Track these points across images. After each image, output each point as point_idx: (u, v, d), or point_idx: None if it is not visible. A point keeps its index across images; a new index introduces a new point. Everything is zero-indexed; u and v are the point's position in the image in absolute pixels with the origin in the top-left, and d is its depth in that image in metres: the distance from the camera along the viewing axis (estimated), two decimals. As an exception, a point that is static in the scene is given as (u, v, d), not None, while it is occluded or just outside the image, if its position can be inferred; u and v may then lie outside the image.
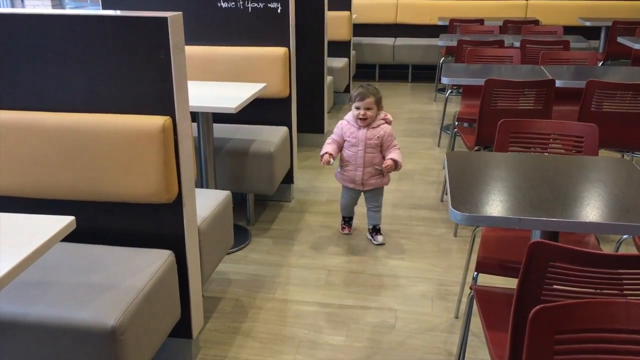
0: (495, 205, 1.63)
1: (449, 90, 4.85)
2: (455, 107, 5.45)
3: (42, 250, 1.34)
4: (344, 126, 3.00)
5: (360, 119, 2.90)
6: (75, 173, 1.94)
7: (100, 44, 1.89)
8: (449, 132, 5.04)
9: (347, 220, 3.26)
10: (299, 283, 2.76)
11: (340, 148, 3.02)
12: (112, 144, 1.90)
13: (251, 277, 2.82)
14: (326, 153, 2.94)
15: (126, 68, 1.90)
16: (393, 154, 2.92)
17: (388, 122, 2.97)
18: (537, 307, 1.09)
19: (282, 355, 2.24)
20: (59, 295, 1.71)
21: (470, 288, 1.85)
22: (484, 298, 1.75)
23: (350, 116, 2.99)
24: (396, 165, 2.90)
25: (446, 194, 3.75)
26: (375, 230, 3.15)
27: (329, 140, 3.03)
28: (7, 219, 1.48)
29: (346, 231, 3.23)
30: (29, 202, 2.03)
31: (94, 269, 1.84)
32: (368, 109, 2.89)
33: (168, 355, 2.17)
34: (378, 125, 2.94)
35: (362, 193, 3.08)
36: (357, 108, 2.91)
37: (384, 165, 2.91)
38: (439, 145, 4.84)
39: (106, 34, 1.88)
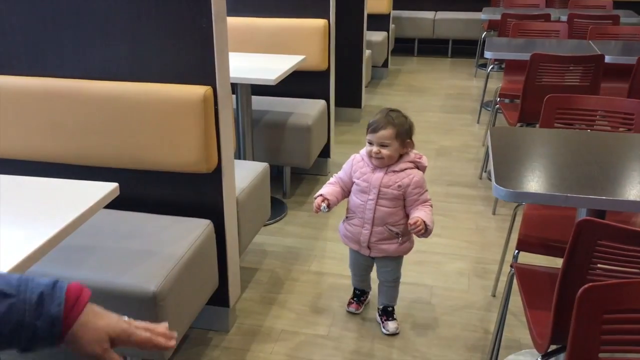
0: (541, 182, 1.59)
1: (491, 66, 4.73)
2: (496, 83, 5.32)
3: (87, 215, 1.36)
4: (356, 162, 2.10)
5: (375, 157, 2.02)
6: (118, 141, 1.97)
7: (143, 13, 1.89)
8: (489, 109, 4.94)
9: (358, 295, 2.36)
10: (334, 257, 2.76)
11: (345, 192, 2.13)
12: (153, 113, 1.92)
13: (287, 249, 2.84)
14: (320, 196, 2.08)
15: (168, 37, 1.90)
16: (421, 213, 2.00)
17: (420, 167, 2.05)
18: (587, 286, 1.06)
19: (317, 327, 2.25)
20: (103, 260, 1.75)
21: (511, 266, 1.82)
22: (525, 276, 1.72)
23: (365, 150, 2.09)
24: (426, 228, 1.97)
25: (485, 171, 3.69)
26: (386, 313, 2.25)
27: (332, 179, 2.15)
28: (54, 184, 1.51)
29: (352, 308, 2.33)
30: (74, 169, 2.07)
31: (135, 235, 1.87)
32: (383, 145, 1.98)
33: (206, 323, 2.21)
34: (403, 170, 2.02)
35: (372, 260, 2.20)
36: (370, 143, 2.02)
37: (410, 222, 1.96)
38: (478, 122, 4.75)
39: (149, 3, 1.88)
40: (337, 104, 4.00)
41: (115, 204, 1.55)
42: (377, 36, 5.60)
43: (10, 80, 2.01)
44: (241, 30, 3.44)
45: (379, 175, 2.02)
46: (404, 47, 7.33)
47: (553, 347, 1.46)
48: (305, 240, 2.92)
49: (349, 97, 4.60)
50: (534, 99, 2.91)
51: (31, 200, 1.42)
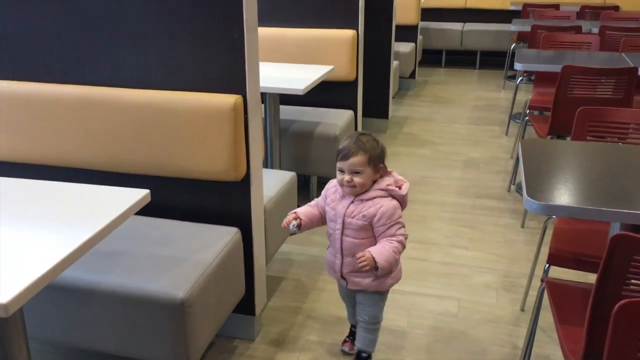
0: (574, 196, 1.56)
1: (520, 78, 4.69)
2: (525, 95, 5.27)
3: (119, 221, 1.38)
4: (330, 188, 1.94)
5: (347, 186, 1.82)
6: (149, 148, 1.99)
7: (176, 23, 1.92)
8: (517, 121, 4.89)
9: (354, 333, 2.13)
10: (361, 267, 2.75)
11: (322, 218, 1.96)
12: (184, 121, 1.94)
13: (313, 258, 2.83)
14: (294, 213, 1.94)
15: (200, 46, 1.92)
16: (377, 247, 1.79)
17: (396, 197, 1.83)
18: (624, 302, 1.04)
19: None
20: (132, 266, 1.77)
21: (542, 280, 1.79)
22: (557, 291, 1.69)
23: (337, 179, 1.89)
24: (376, 267, 1.76)
25: (514, 184, 3.65)
26: (360, 359, 2.04)
27: (312, 202, 2.00)
28: (87, 190, 1.53)
29: (345, 347, 2.16)
30: (106, 175, 2.10)
31: (164, 242, 1.89)
32: (355, 172, 1.79)
33: (232, 330, 2.21)
34: (372, 199, 1.81)
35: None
36: (341, 170, 1.83)
37: (357, 256, 1.77)
38: (506, 134, 4.70)
39: (182, 13, 1.90)
40: (364, 115, 4.00)
41: (145, 210, 1.57)
42: (404, 47, 5.60)
43: (46, 87, 2.05)
44: (270, 40, 3.47)
45: (345, 203, 1.85)
46: (431, 58, 7.31)
47: (585, 364, 1.43)
48: (331, 250, 2.91)
49: (376, 107, 4.60)
50: (565, 112, 2.87)
51: (65, 205, 1.44)
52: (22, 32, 2.05)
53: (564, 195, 1.55)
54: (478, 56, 7.23)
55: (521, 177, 1.69)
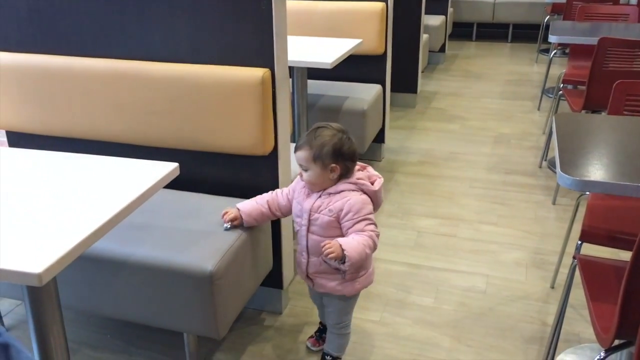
0: (610, 171, 1.52)
1: (554, 51, 4.56)
2: (558, 69, 5.14)
3: (149, 193, 1.39)
4: (298, 181, 1.79)
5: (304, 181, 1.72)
6: (178, 122, 2.00)
7: (204, -6, 1.90)
8: (550, 96, 4.78)
9: (320, 330, 2.06)
10: (388, 242, 2.74)
11: (273, 213, 1.85)
12: (212, 95, 1.94)
13: (340, 233, 2.83)
14: (236, 209, 1.84)
15: (229, 19, 1.91)
16: (347, 238, 1.63)
17: (365, 190, 1.68)
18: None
19: (370, 312, 2.25)
20: (161, 239, 1.79)
21: (574, 257, 1.76)
22: (589, 268, 1.66)
23: None
24: (344, 259, 1.59)
25: (545, 160, 3.58)
26: None
27: (271, 192, 1.89)
28: (117, 163, 1.55)
29: (309, 342, 2.06)
30: (135, 149, 2.12)
31: (193, 215, 1.90)
32: (305, 169, 1.69)
33: (260, 303, 2.24)
34: (340, 192, 1.68)
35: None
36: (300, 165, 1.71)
37: (321, 245, 1.63)
38: (539, 109, 4.60)
39: (210, -16, 1.89)
40: (392, 89, 3.95)
41: (173, 184, 1.58)
42: (434, 20, 5.49)
43: (77, 61, 2.07)
44: (298, 13, 3.43)
45: (312, 199, 1.71)
46: (462, 31, 7.16)
47: (617, 341, 1.41)
48: (359, 225, 2.90)
49: (404, 82, 4.54)
50: (601, 85, 2.79)
51: (96, 178, 1.46)
52: (53, 6, 2.06)
53: (599, 171, 1.51)
54: (510, 29, 7.06)
55: (555, 152, 1.65)
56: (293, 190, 1.81)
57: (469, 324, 2.18)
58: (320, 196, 1.70)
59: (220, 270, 1.70)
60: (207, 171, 2.12)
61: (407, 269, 2.53)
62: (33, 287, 1.26)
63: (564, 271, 2.43)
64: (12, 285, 1.88)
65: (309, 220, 1.72)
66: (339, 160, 1.65)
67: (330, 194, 1.69)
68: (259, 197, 1.88)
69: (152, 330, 2.11)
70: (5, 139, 2.36)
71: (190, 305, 1.73)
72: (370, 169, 1.77)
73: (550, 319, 2.19)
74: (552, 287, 2.39)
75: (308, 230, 1.73)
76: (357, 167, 1.72)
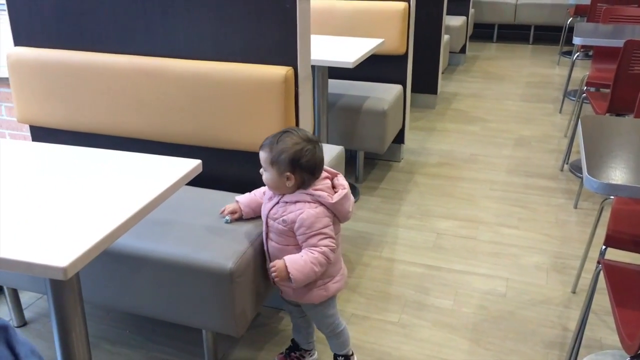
0: (637, 175, 1.49)
1: (577, 53, 4.51)
2: (581, 71, 5.08)
3: (172, 190, 1.40)
4: None
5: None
6: (200, 119, 2.00)
7: (228, -8, 1.91)
8: (573, 98, 4.72)
9: (291, 347, 1.98)
10: (407, 243, 2.73)
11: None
12: (235, 92, 1.94)
13: (358, 234, 2.82)
14: (235, 202, 1.86)
15: (252, 17, 1.91)
16: (294, 256, 1.63)
17: (322, 202, 1.63)
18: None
19: (388, 313, 2.23)
20: (182, 236, 1.79)
21: (598, 262, 1.73)
22: (614, 274, 1.63)
23: None
24: (288, 276, 1.60)
25: (567, 163, 3.53)
26: None
27: (262, 188, 1.84)
28: (141, 159, 1.55)
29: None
30: (157, 145, 2.13)
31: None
32: (264, 169, 1.66)
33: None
34: (295, 202, 1.64)
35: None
36: None
37: (269, 266, 1.67)
38: (560, 112, 4.55)
39: (234, -18, 1.89)
40: (412, 90, 3.93)
41: (195, 181, 1.59)
42: (455, 21, 5.45)
43: (101, 57, 2.08)
44: (320, 12, 3.42)
45: (271, 204, 1.69)
46: (483, 32, 7.11)
47: (643, 349, 1.38)
48: (377, 225, 2.89)
49: (424, 82, 4.52)
50: (626, 88, 2.75)
51: (120, 173, 1.47)
52: (78, 3, 2.08)
53: (626, 175, 1.48)
54: (532, 31, 6.99)
55: (581, 155, 1.62)
56: (264, 191, 1.80)
57: (488, 327, 2.16)
58: (278, 202, 1.68)
59: (240, 268, 1.70)
60: (228, 168, 2.13)
61: (426, 271, 2.51)
62: (56, 281, 1.27)
63: (586, 276, 2.40)
64: (33, 279, 1.90)
65: (267, 226, 1.72)
66: (295, 170, 1.61)
67: (286, 202, 1.66)
68: (256, 190, 1.86)
69: (171, 326, 2.12)
70: (28, 134, 2.38)
71: (209, 302, 1.73)
72: (339, 178, 1.71)
73: (571, 324, 2.16)
74: (574, 292, 2.35)
75: (267, 236, 1.73)
76: (324, 175, 1.68)
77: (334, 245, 1.64)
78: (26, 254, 1.10)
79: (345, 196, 1.65)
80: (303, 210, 1.62)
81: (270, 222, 1.69)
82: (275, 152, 1.61)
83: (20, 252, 1.11)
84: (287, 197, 1.66)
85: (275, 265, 1.63)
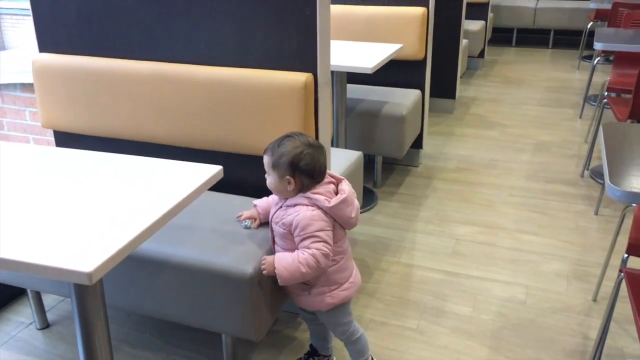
0: (661, 183, 1.47)
1: (597, 58, 4.46)
2: (601, 76, 5.03)
3: (194, 195, 1.41)
4: None
5: None
6: (221, 125, 2.02)
7: (249, 0, 1.92)
8: (593, 104, 4.68)
9: (309, 353, 2.00)
10: (425, 249, 2.72)
11: None
12: (255, 99, 1.95)
13: (376, 239, 2.82)
14: (253, 207, 1.88)
15: (273, 24, 1.92)
16: (284, 254, 1.67)
17: (320, 206, 1.63)
18: None
19: (406, 319, 2.23)
20: (203, 241, 1.81)
21: (620, 271, 1.71)
22: (636, 282, 1.61)
23: None
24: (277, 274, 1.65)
25: (587, 169, 3.50)
26: None
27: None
28: (163, 164, 1.57)
29: None
30: (178, 151, 2.15)
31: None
32: (267, 174, 1.69)
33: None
34: (294, 205, 1.66)
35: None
36: None
37: (262, 260, 1.70)
38: (580, 117, 4.51)
39: (255, -11, 1.91)
40: (430, 94, 3.93)
41: (215, 186, 1.60)
42: (474, 25, 5.44)
43: (123, 63, 2.11)
44: (339, 17, 3.44)
45: (275, 208, 1.73)
46: (501, 37, 7.08)
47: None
48: (395, 231, 2.89)
49: (443, 87, 4.51)
50: (649, 94, 2.72)
51: (143, 179, 1.48)
52: (102, 10, 2.11)
53: (650, 183, 1.47)
54: (551, 35, 6.94)
55: (603, 162, 1.61)
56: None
57: (507, 334, 2.15)
58: (281, 206, 1.70)
59: (260, 273, 1.71)
60: (248, 174, 2.14)
61: (445, 277, 2.50)
62: (81, 285, 1.29)
63: (607, 284, 2.37)
64: (57, 282, 1.93)
65: (271, 230, 1.74)
66: (295, 173, 1.63)
67: (287, 206, 1.68)
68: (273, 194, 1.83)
69: (191, 330, 2.13)
70: (52, 139, 2.42)
71: (229, 306, 1.74)
72: (343, 184, 1.71)
73: (592, 333, 2.14)
74: (594, 300, 2.33)
75: (273, 241, 1.75)
76: (327, 180, 1.69)
77: (326, 249, 1.63)
78: (52, 259, 1.12)
79: (343, 201, 1.64)
80: (300, 213, 1.63)
81: (274, 226, 1.72)
82: (276, 156, 1.64)
83: (46, 257, 1.13)
84: (288, 201, 1.68)
85: (266, 259, 1.68)
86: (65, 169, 1.59)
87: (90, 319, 1.36)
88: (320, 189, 1.66)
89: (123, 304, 1.91)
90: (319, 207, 1.64)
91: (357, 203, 1.71)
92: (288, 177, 1.63)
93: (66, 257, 1.13)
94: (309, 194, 1.64)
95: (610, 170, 1.52)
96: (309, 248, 1.63)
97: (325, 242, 1.63)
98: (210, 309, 1.77)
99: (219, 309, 1.76)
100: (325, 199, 1.64)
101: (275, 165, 1.64)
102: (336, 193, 1.68)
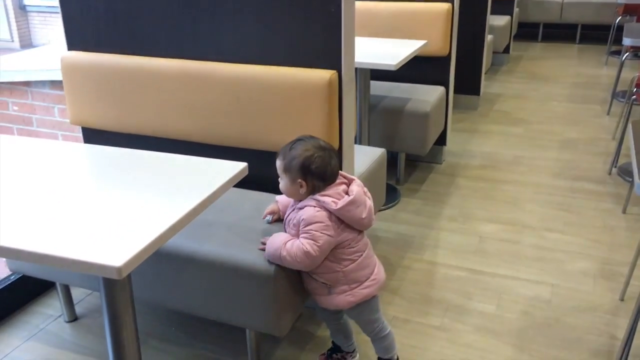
0: (692, 181, 1.45)
1: (626, 54, 4.38)
2: (630, 72, 4.95)
3: (220, 191, 1.43)
4: None
5: None
6: (246, 122, 2.04)
7: (274, -3, 1.93)
8: (621, 100, 4.60)
9: (332, 349, 2.01)
10: (449, 247, 2.71)
11: None
12: (280, 96, 1.96)
13: (400, 236, 2.82)
14: (275, 202, 1.90)
15: (298, 21, 1.93)
16: (283, 235, 1.70)
17: (322, 205, 1.64)
18: None
19: (430, 317, 2.23)
20: (227, 237, 1.83)
21: (649, 270, 1.69)
22: (666, 282, 1.59)
23: None
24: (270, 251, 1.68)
25: (616, 166, 3.45)
26: None
27: None
28: (189, 161, 1.59)
29: None
30: (203, 147, 2.17)
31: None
32: (280, 177, 1.72)
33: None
34: (303, 207, 1.67)
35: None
36: None
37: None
38: (608, 114, 4.43)
39: (280, -13, 1.91)
40: (454, 91, 3.89)
41: (239, 182, 1.61)
42: (499, 20, 5.38)
43: (150, 61, 2.14)
44: (363, 13, 3.43)
45: (289, 210, 1.75)
46: (527, 32, 6.99)
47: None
48: (419, 228, 2.88)
49: (467, 83, 4.47)
50: (679, 90, 2.67)
51: (170, 175, 1.51)
52: (127, 7, 2.14)
53: (681, 181, 1.45)
54: (579, 30, 6.83)
55: (632, 160, 1.59)
56: None
57: (532, 333, 2.13)
58: (294, 209, 1.71)
59: (284, 269, 1.72)
60: (272, 171, 2.14)
61: (469, 275, 2.49)
62: (109, 279, 1.31)
63: (635, 283, 2.34)
64: (85, 276, 1.97)
65: (285, 231, 1.75)
66: (307, 176, 1.64)
67: (299, 208, 1.68)
68: None
69: (216, 324, 2.16)
70: (80, 135, 2.46)
71: (253, 302, 1.76)
72: (353, 185, 1.69)
73: (619, 333, 2.11)
74: (622, 300, 2.30)
75: None
76: (339, 181, 1.69)
77: (309, 248, 1.61)
78: (83, 253, 1.15)
79: (351, 202, 1.63)
80: (307, 211, 1.65)
81: (287, 228, 1.74)
82: (287, 160, 1.66)
83: (77, 251, 1.15)
84: (300, 204, 1.69)
85: (265, 240, 1.73)
86: (94, 165, 1.62)
87: (118, 312, 1.39)
88: (330, 190, 1.66)
89: (149, 298, 1.94)
90: (326, 209, 1.64)
91: (369, 203, 1.70)
92: (300, 180, 1.65)
93: (96, 251, 1.15)
94: (317, 196, 1.65)
95: (639, 168, 1.50)
96: (306, 233, 1.63)
97: (314, 241, 1.62)
98: (234, 304, 1.79)
99: (243, 304, 1.78)
100: (333, 201, 1.63)
101: (287, 169, 1.66)
102: (347, 194, 1.68)
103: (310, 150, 1.64)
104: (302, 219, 1.64)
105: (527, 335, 2.12)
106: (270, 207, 1.89)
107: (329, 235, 1.63)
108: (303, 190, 1.66)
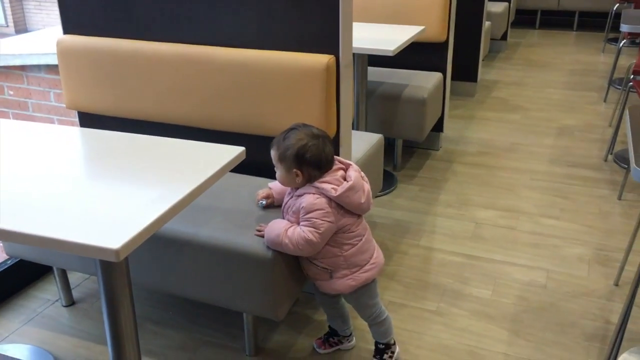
0: (688, 167, 1.45)
1: (623, 41, 4.38)
2: (627, 59, 4.94)
3: (217, 176, 1.43)
4: None
5: None
6: (243, 107, 2.03)
7: (271, -20, 1.92)
8: (618, 87, 4.60)
9: (329, 334, 2.02)
10: (445, 233, 2.72)
11: None
12: (277, 80, 1.96)
13: (396, 222, 2.82)
14: (268, 188, 1.90)
15: (295, 6, 1.92)
16: (283, 221, 1.71)
17: (321, 192, 1.64)
18: None
19: (426, 302, 2.24)
20: (225, 221, 1.83)
21: (644, 255, 1.70)
22: (661, 267, 1.60)
23: None
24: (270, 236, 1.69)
25: (611, 153, 3.46)
26: (378, 351, 1.91)
27: None
28: (186, 145, 1.59)
29: (316, 345, 2.02)
30: (200, 132, 2.16)
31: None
32: (275, 167, 1.71)
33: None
34: (302, 195, 1.68)
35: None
36: None
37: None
38: (605, 101, 4.44)
39: (278, -30, 1.90)
40: (452, 77, 3.89)
41: (237, 168, 1.61)
42: (497, 7, 5.36)
43: (147, 45, 2.12)
44: (360, -1, 3.41)
45: (287, 198, 1.76)
46: (525, 19, 6.97)
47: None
48: (415, 214, 2.89)
49: (464, 70, 4.46)
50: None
51: (167, 160, 1.50)
52: (124, -9, 2.12)
53: (676, 166, 1.45)
54: (576, 17, 6.82)
55: (628, 146, 1.59)
56: None
57: (528, 318, 2.15)
58: (292, 196, 1.72)
59: (282, 254, 1.73)
60: (269, 156, 2.15)
61: (465, 260, 2.50)
62: (107, 262, 1.31)
63: (630, 269, 2.36)
64: (82, 260, 1.97)
65: (284, 218, 1.75)
66: (302, 165, 1.64)
67: (297, 195, 1.69)
68: None
69: (213, 309, 2.17)
70: (76, 120, 2.45)
71: (251, 286, 1.76)
72: (351, 169, 1.70)
73: (614, 317, 2.13)
74: (617, 285, 2.32)
75: None
76: (337, 167, 1.69)
77: (311, 235, 1.62)
78: (80, 236, 1.15)
79: (350, 188, 1.64)
80: (304, 199, 1.65)
81: (285, 215, 1.75)
82: (281, 150, 1.65)
83: (74, 234, 1.15)
84: (298, 191, 1.70)
85: (263, 225, 1.74)
86: (91, 149, 1.61)
87: (116, 296, 1.39)
88: (328, 177, 1.66)
89: (147, 282, 1.94)
90: (325, 196, 1.64)
91: (367, 187, 1.71)
92: (295, 169, 1.65)
93: (94, 234, 1.15)
94: (316, 183, 1.65)
95: (636, 153, 1.51)
96: (306, 221, 1.64)
97: (316, 228, 1.63)
98: (231, 288, 1.80)
99: (240, 289, 1.78)
100: (332, 188, 1.64)
101: (281, 159, 1.66)
102: (345, 179, 1.68)
103: (303, 140, 1.63)
104: (302, 207, 1.64)
105: (523, 319, 2.14)
106: (265, 191, 1.89)
107: (329, 222, 1.64)
108: (299, 180, 1.66)
